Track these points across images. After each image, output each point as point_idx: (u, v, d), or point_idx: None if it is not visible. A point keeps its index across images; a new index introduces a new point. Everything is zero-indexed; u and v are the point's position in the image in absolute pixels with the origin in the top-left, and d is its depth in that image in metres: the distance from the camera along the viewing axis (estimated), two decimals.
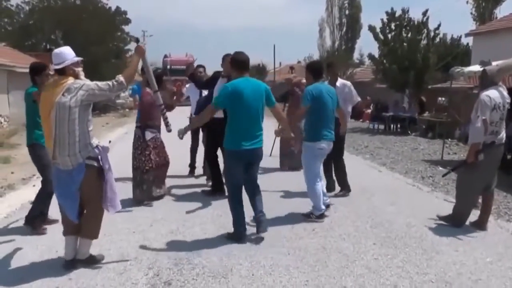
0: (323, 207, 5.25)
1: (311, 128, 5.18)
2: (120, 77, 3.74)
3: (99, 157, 3.74)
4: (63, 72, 3.68)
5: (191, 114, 7.68)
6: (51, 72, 4.52)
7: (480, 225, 4.99)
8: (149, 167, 5.76)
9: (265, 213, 4.62)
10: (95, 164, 3.72)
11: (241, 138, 4.36)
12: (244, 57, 4.51)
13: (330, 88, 5.38)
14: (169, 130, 5.64)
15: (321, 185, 5.30)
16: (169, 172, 6.76)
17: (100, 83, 3.70)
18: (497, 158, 4.96)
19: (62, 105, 3.53)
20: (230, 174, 4.60)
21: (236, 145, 4.37)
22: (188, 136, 5.80)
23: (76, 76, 3.73)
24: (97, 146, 3.74)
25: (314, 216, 5.19)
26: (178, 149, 6.98)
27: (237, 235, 4.50)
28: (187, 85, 7.92)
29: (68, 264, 3.82)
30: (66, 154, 3.58)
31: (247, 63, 4.53)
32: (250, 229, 4.69)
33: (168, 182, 7.13)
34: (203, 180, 7.22)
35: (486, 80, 4.89)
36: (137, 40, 4.22)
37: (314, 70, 5.33)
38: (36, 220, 4.75)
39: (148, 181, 5.83)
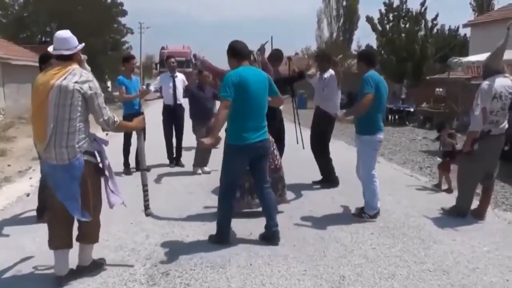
0: (378, 205, 4.92)
1: (369, 120, 4.73)
2: (117, 120, 3.54)
3: (96, 152, 3.44)
4: (69, 58, 3.33)
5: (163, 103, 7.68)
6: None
7: (478, 214, 4.99)
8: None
9: None
10: (93, 160, 3.41)
11: (246, 131, 3.98)
12: (242, 45, 4.21)
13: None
14: None
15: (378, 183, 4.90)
16: (156, 162, 6.91)
17: (103, 102, 3.41)
18: (498, 148, 4.91)
19: (64, 88, 3.17)
20: (229, 169, 4.17)
21: (241, 139, 3.99)
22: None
23: (81, 63, 3.50)
24: (94, 139, 3.44)
25: (368, 215, 4.84)
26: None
27: (221, 238, 4.17)
28: (158, 77, 7.98)
29: (61, 280, 3.40)
30: (64, 145, 3.19)
31: (246, 50, 4.23)
32: (247, 222, 4.68)
33: (156, 171, 7.21)
34: (197, 170, 7.19)
35: (486, 69, 4.84)
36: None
37: (368, 58, 5.00)
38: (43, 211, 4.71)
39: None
